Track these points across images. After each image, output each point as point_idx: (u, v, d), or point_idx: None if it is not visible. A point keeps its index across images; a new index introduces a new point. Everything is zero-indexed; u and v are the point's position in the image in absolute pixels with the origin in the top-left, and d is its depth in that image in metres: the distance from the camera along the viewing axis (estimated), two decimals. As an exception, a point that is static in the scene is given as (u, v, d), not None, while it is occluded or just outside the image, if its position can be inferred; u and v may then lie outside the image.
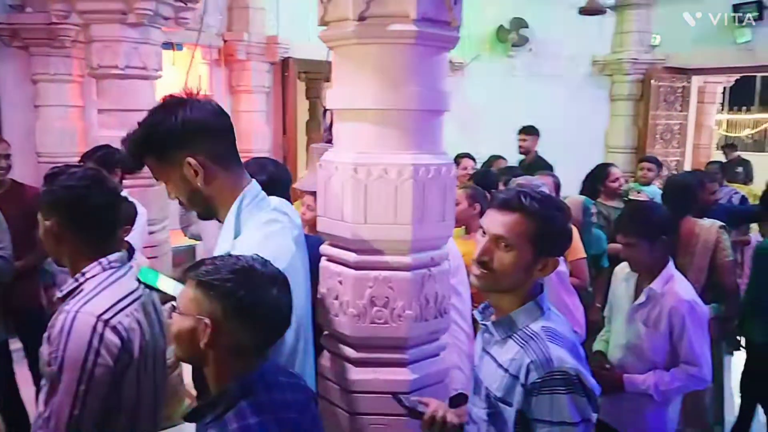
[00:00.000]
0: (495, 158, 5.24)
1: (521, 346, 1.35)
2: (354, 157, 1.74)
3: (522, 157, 5.65)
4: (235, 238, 1.48)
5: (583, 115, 6.82)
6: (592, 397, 1.31)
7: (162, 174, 1.52)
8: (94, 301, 1.48)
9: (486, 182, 3.94)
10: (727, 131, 11.48)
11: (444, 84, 1.84)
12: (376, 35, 1.69)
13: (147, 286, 1.65)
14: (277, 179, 2.13)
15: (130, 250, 3.16)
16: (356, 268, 1.76)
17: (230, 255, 1.29)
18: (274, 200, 1.64)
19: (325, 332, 1.89)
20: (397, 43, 1.69)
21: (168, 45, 4.91)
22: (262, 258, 1.31)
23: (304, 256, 1.64)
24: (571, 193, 4.79)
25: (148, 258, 3.55)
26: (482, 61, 6.93)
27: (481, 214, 3.16)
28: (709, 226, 3.12)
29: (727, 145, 9.40)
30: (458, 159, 4.80)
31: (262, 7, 5.62)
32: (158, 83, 3.76)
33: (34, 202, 1.66)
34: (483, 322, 1.48)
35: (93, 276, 1.55)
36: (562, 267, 2.83)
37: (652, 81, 6.65)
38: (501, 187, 3.89)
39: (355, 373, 1.80)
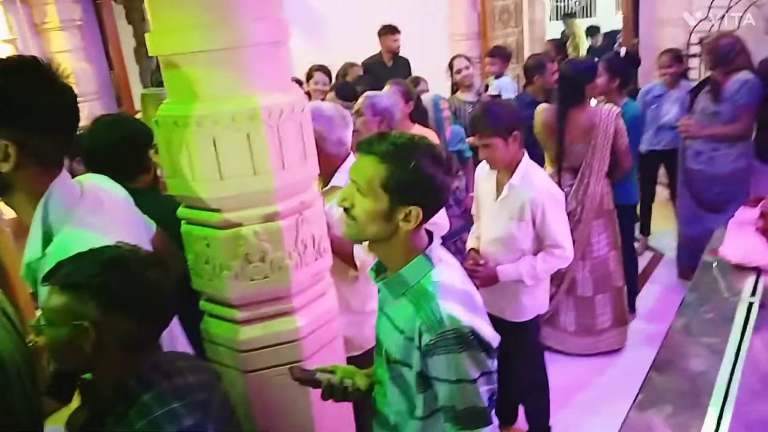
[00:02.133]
0: (350, 66, 5.11)
1: (414, 305, 1.31)
2: (195, 109, 1.56)
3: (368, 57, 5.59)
4: (45, 247, 1.30)
5: (423, 5, 6.77)
6: (490, 349, 1.30)
7: None
8: None
9: (346, 94, 3.83)
10: (557, 1, 12.04)
11: (281, 10, 1.68)
12: (191, -34, 1.48)
13: None
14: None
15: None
16: (223, 228, 1.65)
17: (91, 249, 1.16)
18: (87, 180, 1.51)
19: (204, 297, 1.80)
20: (216, -27, 1.50)
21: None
22: (128, 243, 1.21)
23: (138, 228, 1.60)
24: (430, 88, 4.84)
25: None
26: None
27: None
28: (608, 114, 3.16)
29: (567, 15, 9.90)
30: (310, 73, 4.62)
31: (51, -75, 4.81)
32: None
33: None
34: (376, 282, 1.43)
35: None
36: None
37: (484, -37, 6.69)
38: (360, 100, 3.79)
39: (244, 332, 1.74)
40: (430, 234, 1.42)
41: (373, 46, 5.80)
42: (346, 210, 1.37)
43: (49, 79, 1.31)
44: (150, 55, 1.67)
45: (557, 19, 11.32)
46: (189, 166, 1.61)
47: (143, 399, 1.14)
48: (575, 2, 12.02)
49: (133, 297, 1.13)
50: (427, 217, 1.34)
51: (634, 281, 3.93)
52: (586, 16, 12.31)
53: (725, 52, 3.59)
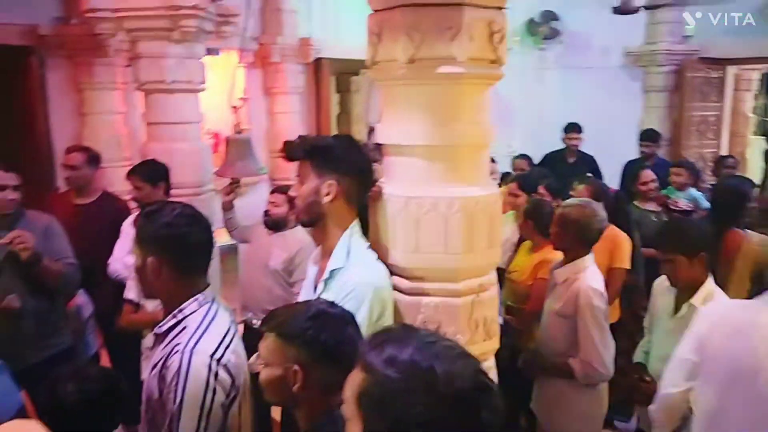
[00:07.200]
0: (518, 158, 5.28)
1: None
2: (405, 191, 1.83)
3: (546, 152, 5.73)
4: (347, 256, 1.77)
5: (616, 107, 6.76)
6: None
7: (306, 176, 1.79)
8: (205, 340, 1.53)
9: (528, 185, 3.95)
10: (765, 117, 11.20)
11: (489, 118, 1.91)
12: (424, 77, 1.77)
13: None
14: None
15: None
16: (409, 294, 1.87)
17: (298, 303, 1.40)
18: None
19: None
20: (444, 84, 1.77)
21: (206, 51, 5.04)
22: (326, 300, 1.45)
23: None
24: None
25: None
26: (514, 54, 6.90)
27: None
28: (756, 243, 3.03)
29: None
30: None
31: (294, 10, 5.71)
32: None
33: (122, 213, 1.64)
34: None
35: (191, 313, 1.58)
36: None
37: (687, 72, 6.56)
38: (542, 191, 3.85)
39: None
40: None
41: (557, 140, 5.93)
42: None
43: (357, 144, 1.87)
44: (376, 143, 1.99)
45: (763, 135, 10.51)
46: (393, 237, 1.86)
47: None
48: (787, 119, 11.09)
49: (336, 349, 1.32)
50: None
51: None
52: (799, 135, 11.28)
53: None
